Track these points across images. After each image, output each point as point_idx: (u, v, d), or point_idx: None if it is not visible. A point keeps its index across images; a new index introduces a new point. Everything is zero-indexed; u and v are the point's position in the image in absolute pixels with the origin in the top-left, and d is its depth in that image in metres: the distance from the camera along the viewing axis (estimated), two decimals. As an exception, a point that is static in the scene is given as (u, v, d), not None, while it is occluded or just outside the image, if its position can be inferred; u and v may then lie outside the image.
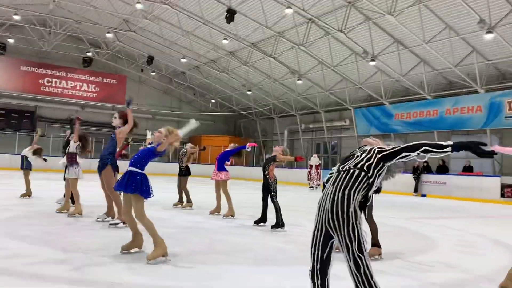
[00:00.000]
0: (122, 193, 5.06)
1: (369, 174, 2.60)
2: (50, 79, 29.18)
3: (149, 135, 6.86)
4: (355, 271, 2.51)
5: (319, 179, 22.11)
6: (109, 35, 25.30)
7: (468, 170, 19.45)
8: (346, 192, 2.57)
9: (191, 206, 9.89)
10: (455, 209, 13.47)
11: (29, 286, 3.77)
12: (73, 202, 8.70)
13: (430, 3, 16.02)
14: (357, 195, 2.58)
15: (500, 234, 8.10)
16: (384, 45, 19.67)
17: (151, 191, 4.85)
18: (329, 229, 2.61)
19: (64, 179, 9.21)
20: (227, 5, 18.97)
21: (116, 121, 7.23)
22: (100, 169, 7.05)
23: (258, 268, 4.76)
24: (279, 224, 7.20)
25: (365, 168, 2.62)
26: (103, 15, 23.48)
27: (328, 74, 23.76)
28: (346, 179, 2.62)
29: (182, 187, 10.01)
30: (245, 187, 17.12)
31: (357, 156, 2.71)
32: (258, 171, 24.76)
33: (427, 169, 20.15)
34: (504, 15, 15.33)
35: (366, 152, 2.70)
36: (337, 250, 2.81)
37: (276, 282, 4.22)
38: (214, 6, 19.92)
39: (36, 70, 28.86)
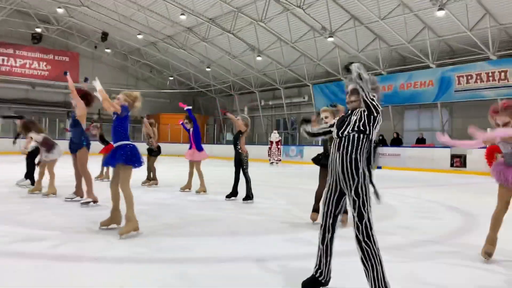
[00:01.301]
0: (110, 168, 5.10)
1: (367, 132, 2.94)
2: (-4, 57, 27.68)
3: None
4: (358, 221, 2.86)
5: (280, 154, 22.55)
6: (60, 10, 24.21)
7: (421, 142, 20.46)
8: (353, 156, 2.93)
9: (156, 184, 9.94)
10: (410, 179, 14.24)
11: (11, 262, 3.75)
12: (33, 184, 8.57)
13: (385, -20, 16.45)
14: (363, 156, 2.95)
15: (452, 200, 8.76)
16: (341, 22, 20.04)
17: (141, 160, 4.93)
18: (343, 188, 2.99)
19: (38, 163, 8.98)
20: (185, -20, 18.61)
21: (73, 101, 6.94)
22: (74, 150, 6.91)
23: (232, 238, 4.94)
24: (249, 196, 7.44)
25: (361, 127, 2.94)
26: (53, -12, 22.41)
27: (287, 50, 23.96)
28: (350, 144, 2.94)
29: (150, 165, 9.98)
30: (209, 165, 17.18)
31: (350, 121, 3.00)
32: (219, 149, 24.78)
33: (382, 142, 20.99)
34: (455, -7, 16.02)
35: (355, 114, 3.00)
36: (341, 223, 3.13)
37: (250, 250, 4.41)
38: (171, -20, 19.51)
39: (-20, 47, 27.26)
